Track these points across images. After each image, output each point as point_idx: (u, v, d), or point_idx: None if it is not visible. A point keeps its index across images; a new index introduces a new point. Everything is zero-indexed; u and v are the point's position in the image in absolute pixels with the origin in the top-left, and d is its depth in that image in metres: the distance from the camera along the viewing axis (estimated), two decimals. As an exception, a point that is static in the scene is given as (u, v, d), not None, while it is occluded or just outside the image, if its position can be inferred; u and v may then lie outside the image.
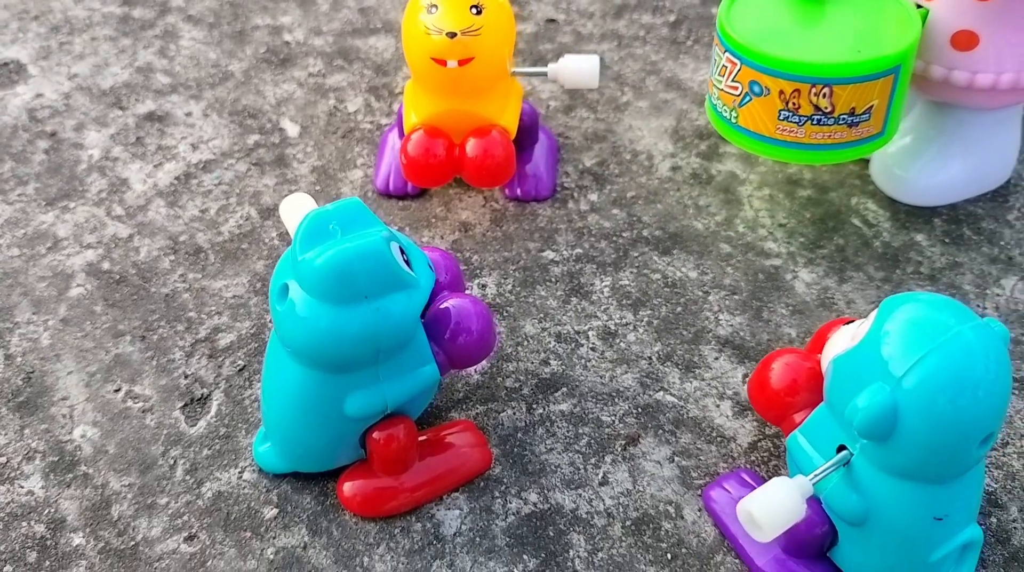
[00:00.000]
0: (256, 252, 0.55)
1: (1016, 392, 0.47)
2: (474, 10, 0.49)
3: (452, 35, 0.49)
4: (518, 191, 0.57)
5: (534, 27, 0.72)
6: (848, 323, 0.39)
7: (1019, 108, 0.56)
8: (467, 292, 0.44)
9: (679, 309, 0.52)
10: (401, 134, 0.57)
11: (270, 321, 0.50)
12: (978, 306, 0.52)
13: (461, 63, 0.49)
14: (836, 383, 0.37)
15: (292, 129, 0.64)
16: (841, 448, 0.37)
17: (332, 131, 0.63)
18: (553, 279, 0.53)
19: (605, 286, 0.53)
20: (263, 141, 0.63)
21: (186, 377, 0.49)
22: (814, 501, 0.38)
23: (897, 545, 0.37)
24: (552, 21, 0.72)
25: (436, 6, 0.50)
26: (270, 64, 0.69)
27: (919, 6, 0.50)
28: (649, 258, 0.55)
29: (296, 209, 0.40)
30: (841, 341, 0.37)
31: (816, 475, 0.37)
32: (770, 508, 0.35)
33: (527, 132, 0.57)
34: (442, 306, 0.41)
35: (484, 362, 0.48)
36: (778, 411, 0.40)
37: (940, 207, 0.57)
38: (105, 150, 0.62)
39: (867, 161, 0.59)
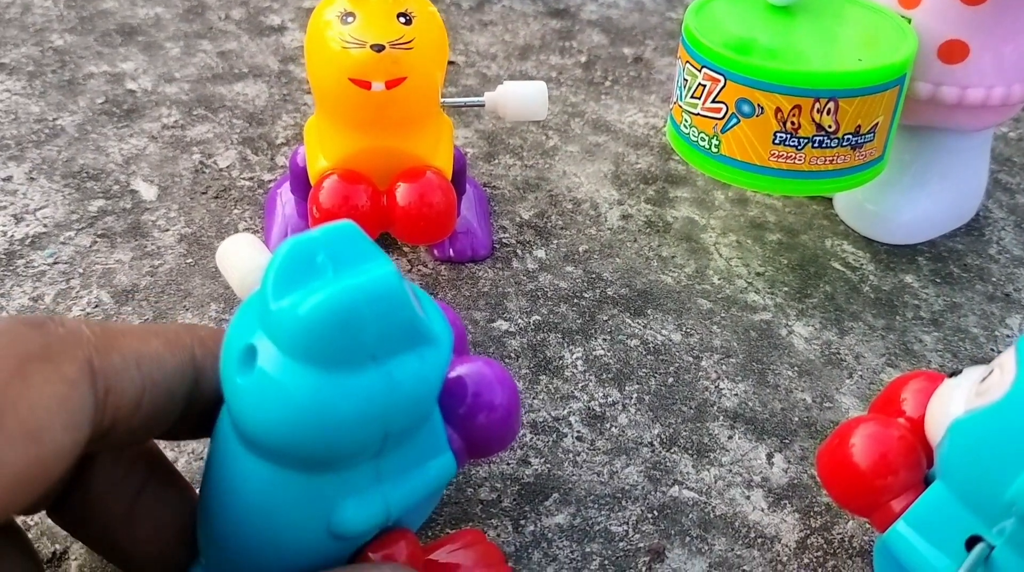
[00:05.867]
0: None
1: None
2: (402, 19, 0.38)
3: (379, 48, 0.37)
4: (450, 251, 0.47)
5: (431, 70, 0.62)
6: (931, 376, 0.31)
7: (992, 131, 0.51)
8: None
9: (671, 380, 0.42)
10: (294, 189, 0.45)
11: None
12: (991, 349, 0.45)
13: (389, 85, 0.38)
14: (964, 455, 0.28)
15: (148, 191, 0.50)
16: (972, 540, 0.28)
17: (200, 191, 0.50)
18: (513, 354, 0.43)
19: (577, 359, 0.43)
20: (110, 207, 0.49)
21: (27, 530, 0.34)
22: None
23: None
24: (452, 63, 0.63)
25: (353, 14, 0.38)
26: (111, 117, 0.56)
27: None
28: (621, 321, 0.45)
29: (244, 252, 0.27)
30: (957, 398, 0.29)
31: (954, 582, 0.27)
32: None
33: (455, 180, 0.47)
34: (454, 374, 0.29)
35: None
36: (868, 498, 0.31)
37: (920, 245, 0.51)
38: None
39: (830, 199, 0.53)
